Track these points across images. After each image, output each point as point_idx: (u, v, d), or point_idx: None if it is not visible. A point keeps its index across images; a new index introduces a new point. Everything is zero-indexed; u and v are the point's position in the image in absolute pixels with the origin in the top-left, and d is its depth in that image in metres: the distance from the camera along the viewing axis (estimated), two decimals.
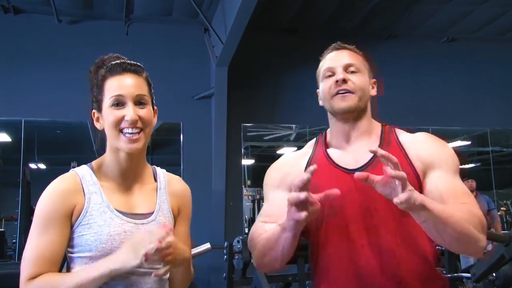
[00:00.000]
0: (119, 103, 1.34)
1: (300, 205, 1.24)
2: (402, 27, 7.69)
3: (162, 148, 7.70)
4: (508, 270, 2.34)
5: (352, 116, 1.54)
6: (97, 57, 1.48)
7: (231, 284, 4.22)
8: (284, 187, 1.57)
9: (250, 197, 9.63)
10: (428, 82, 7.98)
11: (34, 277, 1.25)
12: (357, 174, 1.22)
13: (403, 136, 1.56)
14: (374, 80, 1.64)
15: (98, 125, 1.40)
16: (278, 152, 10.24)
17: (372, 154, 1.43)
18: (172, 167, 7.23)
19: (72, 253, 1.33)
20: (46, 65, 6.62)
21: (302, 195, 1.22)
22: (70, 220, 1.31)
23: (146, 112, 1.36)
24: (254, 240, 1.52)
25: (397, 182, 1.17)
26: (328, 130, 1.67)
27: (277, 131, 8.90)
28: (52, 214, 1.29)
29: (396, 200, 1.16)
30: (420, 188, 1.42)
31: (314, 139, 1.68)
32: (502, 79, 8.14)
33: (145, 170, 1.47)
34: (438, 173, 1.44)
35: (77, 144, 6.61)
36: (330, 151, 1.59)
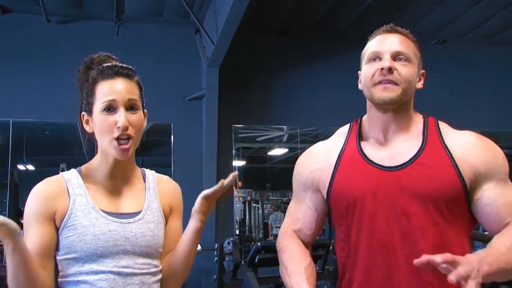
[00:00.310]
0: (110, 108, 1.32)
1: None
2: None
3: (152, 149, 7.68)
4: None
5: (393, 107, 1.42)
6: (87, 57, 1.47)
7: (222, 285, 4.22)
8: (311, 185, 1.52)
9: (241, 198, 9.63)
10: None
11: None
12: (416, 261, 1.13)
13: (449, 135, 1.43)
14: (423, 71, 1.50)
15: (87, 128, 1.39)
16: (269, 153, 10.26)
17: (412, 154, 1.38)
18: (163, 168, 7.21)
19: (59, 255, 1.33)
20: (35, 65, 6.56)
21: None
22: (53, 222, 1.32)
23: (137, 117, 1.35)
24: (280, 250, 1.56)
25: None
26: (364, 118, 1.53)
27: (268, 132, 8.91)
28: (34, 215, 1.31)
29: None
30: (465, 194, 1.34)
31: (347, 125, 1.56)
32: (492, 80, 8.18)
33: (134, 172, 1.47)
34: (491, 184, 1.34)
35: (66, 145, 6.55)
36: (364, 144, 1.47)
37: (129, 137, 1.33)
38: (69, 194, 1.33)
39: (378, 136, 1.46)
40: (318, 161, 1.52)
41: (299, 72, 7.70)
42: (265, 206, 9.82)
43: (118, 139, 1.31)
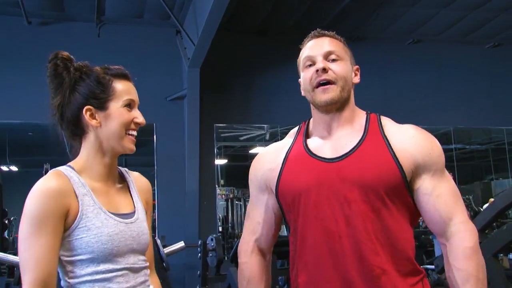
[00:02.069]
0: (131, 105, 1.39)
1: None
2: (369, 30, 7.78)
3: (135, 149, 7.63)
4: None
5: (335, 107, 1.46)
6: None
7: (205, 281, 4.22)
8: (266, 187, 1.55)
9: (223, 196, 9.63)
10: (394, 82, 8.10)
11: (38, 285, 1.20)
12: None
13: (389, 126, 1.47)
14: (357, 66, 1.54)
15: (93, 122, 1.36)
16: (251, 151, 10.26)
17: (352, 145, 1.41)
18: (146, 168, 7.18)
19: (70, 256, 1.29)
20: (17, 66, 6.49)
21: None
22: (64, 221, 1.27)
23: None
24: (241, 264, 1.60)
25: None
26: (311, 119, 1.58)
27: (250, 131, 8.92)
28: (46, 215, 1.23)
29: None
30: (404, 183, 1.37)
31: (297, 127, 1.60)
32: (465, 78, 8.30)
33: (117, 172, 1.48)
34: (429, 174, 1.40)
35: (50, 146, 6.48)
36: (309, 141, 1.51)
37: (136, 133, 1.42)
38: (75, 193, 1.30)
39: (322, 133, 1.50)
40: (268, 161, 1.56)
41: (279, 72, 7.71)
42: (247, 203, 9.81)
43: (130, 134, 1.39)
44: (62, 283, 1.32)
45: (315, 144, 1.49)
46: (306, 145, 1.50)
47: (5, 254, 3.55)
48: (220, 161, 8.23)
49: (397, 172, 1.36)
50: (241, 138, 8.99)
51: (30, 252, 1.22)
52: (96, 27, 6.87)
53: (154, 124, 6.98)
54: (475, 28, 8.00)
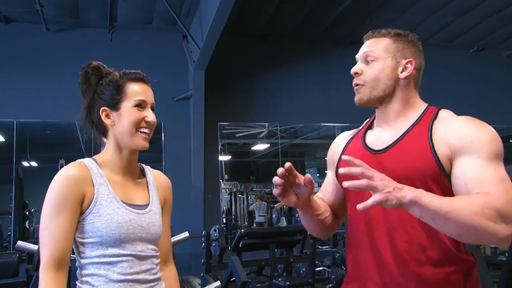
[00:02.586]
0: (141, 105, 1.42)
1: (284, 193, 1.31)
2: (364, 34, 7.73)
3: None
4: None
5: (371, 104, 1.45)
6: (84, 62, 1.48)
7: (209, 269, 4.23)
8: (332, 166, 1.58)
9: (227, 190, 9.64)
10: None
11: (54, 259, 1.27)
12: (344, 157, 1.16)
13: (442, 119, 1.38)
14: (408, 60, 1.47)
15: (108, 121, 1.42)
16: (253, 148, 10.28)
17: (397, 137, 1.39)
18: (155, 164, 7.20)
19: (82, 238, 1.35)
20: (36, 70, 6.53)
21: (277, 189, 1.29)
22: (80, 205, 1.33)
23: (155, 117, 1.46)
24: None
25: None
26: None
27: (252, 129, 8.93)
28: (65, 198, 1.30)
29: (358, 206, 1.08)
30: (443, 173, 1.29)
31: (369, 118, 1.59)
32: (452, 80, 8.29)
33: (137, 167, 1.52)
34: (467, 160, 1.26)
35: (66, 144, 6.53)
36: (369, 132, 1.51)
37: (150, 131, 1.44)
38: (93, 181, 1.36)
39: (379, 125, 1.50)
40: (336, 145, 1.60)
41: (279, 74, 7.73)
42: (249, 196, 9.86)
43: (142, 132, 1.42)
44: (77, 262, 1.37)
45: (372, 135, 1.50)
46: (364, 136, 1.51)
47: (26, 243, 3.58)
48: (224, 157, 8.25)
49: (433, 163, 1.30)
50: (240, 135, 9.01)
51: (50, 231, 1.29)
52: (108, 33, 6.88)
53: (162, 123, 6.99)
54: (461, 34, 8.00)
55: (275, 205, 9.26)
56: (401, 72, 1.45)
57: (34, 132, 7.17)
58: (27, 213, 6.46)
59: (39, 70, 6.53)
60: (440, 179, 1.30)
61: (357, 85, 1.46)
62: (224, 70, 7.30)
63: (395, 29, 1.51)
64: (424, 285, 1.30)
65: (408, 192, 1.10)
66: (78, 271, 1.37)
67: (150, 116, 1.43)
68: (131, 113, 1.40)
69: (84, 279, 1.35)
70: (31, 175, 6.49)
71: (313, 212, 1.45)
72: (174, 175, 6.86)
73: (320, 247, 5.64)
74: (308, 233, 4.53)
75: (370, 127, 1.55)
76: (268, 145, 9.88)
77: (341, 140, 1.61)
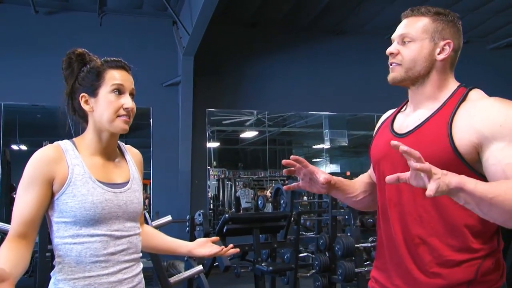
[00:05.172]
0: (119, 91, 1.40)
1: (305, 179, 1.44)
2: (351, 24, 7.77)
3: (133, 132, 7.63)
4: None
5: (404, 84, 1.42)
6: (73, 46, 1.46)
7: None
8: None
9: (215, 176, 9.67)
10: (374, 72, 8.11)
11: (15, 232, 1.29)
12: (392, 142, 1.08)
13: (470, 101, 1.32)
14: (447, 41, 1.38)
15: (86, 107, 1.41)
16: (241, 136, 10.28)
17: (420, 121, 1.35)
18: (143, 149, 7.13)
19: (57, 217, 1.35)
20: (25, 52, 6.44)
21: (300, 182, 1.44)
22: (50, 186, 1.33)
23: (134, 104, 1.44)
24: None
25: (422, 174, 1.05)
26: None
27: (240, 116, 8.93)
28: (33, 177, 1.32)
29: (426, 193, 1.03)
30: (460, 159, 1.25)
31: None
32: None
33: (116, 148, 1.52)
34: (499, 146, 1.21)
35: (55, 128, 6.47)
36: (399, 115, 1.49)
37: (129, 117, 1.42)
38: (67, 163, 1.36)
39: (410, 108, 1.46)
40: (377, 127, 1.60)
41: (267, 62, 7.71)
42: (237, 183, 9.89)
43: (121, 116, 1.40)
44: (53, 244, 1.37)
45: (400, 117, 1.48)
46: (394, 118, 1.49)
47: (4, 224, 3.53)
48: (213, 144, 8.24)
49: (449, 150, 1.26)
50: (229, 122, 9.00)
51: (17, 206, 1.31)
52: (98, 17, 6.80)
53: (151, 108, 6.98)
54: None
55: (262, 192, 9.31)
56: (438, 54, 1.38)
57: (23, 116, 7.11)
58: (14, 195, 6.41)
59: (28, 53, 6.43)
60: (457, 166, 1.24)
61: (392, 63, 1.42)
62: (213, 57, 7.27)
63: (435, 7, 1.45)
64: (435, 271, 1.29)
65: (453, 178, 1.07)
66: (55, 253, 1.37)
67: (128, 103, 1.40)
68: (108, 99, 1.39)
69: (58, 259, 1.36)
70: (20, 158, 6.43)
71: (344, 195, 1.53)
72: (162, 160, 6.90)
73: (304, 233, 5.68)
74: (292, 219, 4.58)
75: (401, 109, 1.52)
76: (257, 132, 9.90)
77: (381, 121, 1.60)
